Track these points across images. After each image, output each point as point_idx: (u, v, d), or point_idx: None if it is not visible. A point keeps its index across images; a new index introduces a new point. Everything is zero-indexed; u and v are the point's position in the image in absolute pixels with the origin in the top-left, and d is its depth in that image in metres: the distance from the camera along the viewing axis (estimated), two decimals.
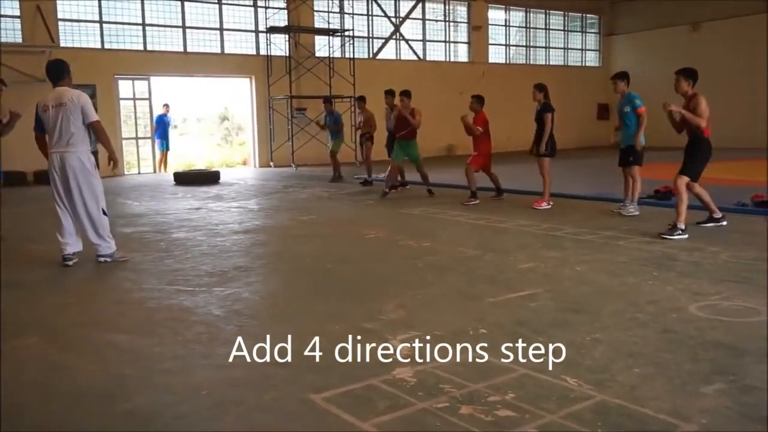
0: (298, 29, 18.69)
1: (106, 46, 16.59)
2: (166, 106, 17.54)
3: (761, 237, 6.66)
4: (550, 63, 25.34)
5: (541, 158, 8.93)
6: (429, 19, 22.33)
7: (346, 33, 19.60)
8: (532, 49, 24.97)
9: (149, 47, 17.19)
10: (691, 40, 23.15)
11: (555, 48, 25.58)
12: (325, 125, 14.11)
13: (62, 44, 15.80)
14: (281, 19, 18.85)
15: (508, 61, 24.30)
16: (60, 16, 15.91)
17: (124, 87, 17.00)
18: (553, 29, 25.45)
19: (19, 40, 15.33)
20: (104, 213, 6.05)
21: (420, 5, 21.90)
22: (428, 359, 3.45)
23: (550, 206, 8.91)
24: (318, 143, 17.38)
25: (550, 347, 3.45)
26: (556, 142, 9.00)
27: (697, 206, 7.31)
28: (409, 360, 3.46)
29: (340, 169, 14.05)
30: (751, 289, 4.75)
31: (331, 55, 19.33)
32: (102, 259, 6.06)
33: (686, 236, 6.65)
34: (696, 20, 23.13)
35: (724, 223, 7.24)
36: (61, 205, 5.97)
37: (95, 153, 6.25)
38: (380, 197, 10.63)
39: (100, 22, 16.50)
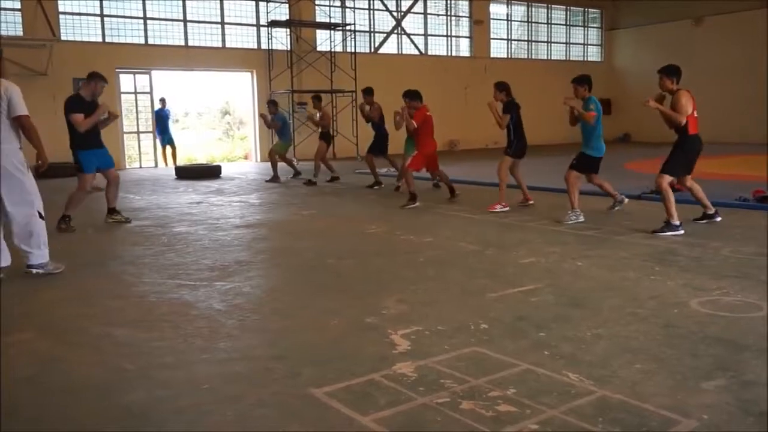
0: (300, 23, 18.66)
1: (107, 39, 16.58)
2: (163, 100, 17.53)
3: (762, 232, 6.65)
4: (552, 58, 25.29)
5: (503, 156, 8.62)
6: (430, 14, 22.28)
7: (348, 27, 19.57)
8: (533, 43, 24.92)
9: (150, 41, 17.18)
10: (693, 34, 23.09)
11: (557, 42, 25.52)
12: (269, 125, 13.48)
13: (63, 38, 15.79)
14: (282, 13, 18.82)
15: (509, 56, 24.25)
16: (61, 9, 15.91)
17: (126, 81, 16.99)
18: (555, 24, 25.38)
19: (20, 33, 15.30)
20: (41, 217, 5.35)
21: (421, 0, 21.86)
22: (429, 354, 3.45)
23: (505, 209, 8.39)
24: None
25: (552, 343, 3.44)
26: (526, 143, 8.65)
27: (694, 201, 7.28)
28: (409, 355, 3.45)
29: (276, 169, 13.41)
30: (752, 284, 4.74)
31: (333, 50, 19.30)
32: (33, 270, 5.33)
33: (681, 232, 6.62)
34: (698, 15, 23.05)
35: (718, 218, 7.19)
36: None
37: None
38: (394, 190, 10.92)
39: (101, 15, 16.49)
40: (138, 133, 17.64)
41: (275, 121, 13.20)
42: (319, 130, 12.83)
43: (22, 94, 5.33)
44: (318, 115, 12.69)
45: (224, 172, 14.86)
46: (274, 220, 8.38)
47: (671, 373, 3.16)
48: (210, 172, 14.54)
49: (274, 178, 13.12)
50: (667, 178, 6.82)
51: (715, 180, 10.40)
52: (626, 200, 8.31)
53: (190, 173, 14.31)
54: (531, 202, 8.83)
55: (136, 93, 17.36)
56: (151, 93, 17.48)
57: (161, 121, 17.45)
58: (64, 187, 9.03)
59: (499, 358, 3.39)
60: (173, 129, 18.68)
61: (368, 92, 11.88)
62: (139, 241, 6.92)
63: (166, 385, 3.17)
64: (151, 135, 17.75)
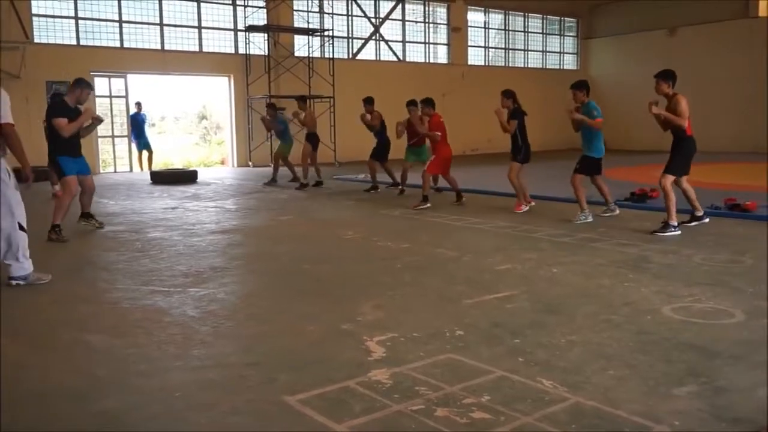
0: (278, 28, 18.60)
1: (82, 42, 16.37)
2: (138, 104, 17.36)
3: (734, 239, 6.75)
4: (529, 65, 25.49)
5: (511, 162, 8.91)
6: (408, 20, 22.34)
7: (326, 33, 19.55)
8: (510, 51, 25.10)
9: (126, 44, 17.00)
10: (667, 44, 23.43)
11: (533, 51, 25.74)
12: (269, 126, 13.70)
13: (36, 40, 15.57)
14: (260, 17, 18.75)
15: (487, 63, 24.40)
16: (34, 11, 15.66)
17: (101, 84, 16.78)
18: (531, 32, 25.60)
19: None
20: (22, 229, 5.16)
21: (400, 6, 21.91)
22: (404, 361, 3.44)
23: (528, 207, 8.92)
24: (297, 144, 17.30)
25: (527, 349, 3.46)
26: (530, 149, 8.94)
27: (681, 210, 7.38)
28: (385, 362, 3.44)
29: (294, 171, 13.65)
30: (724, 291, 4.81)
31: (311, 55, 19.27)
32: (14, 282, 5.15)
33: (679, 232, 6.93)
34: (673, 25, 23.41)
35: (706, 220, 7.46)
36: None
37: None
38: (398, 194, 11.13)
39: (76, 18, 16.28)
40: (113, 137, 17.44)
41: (276, 124, 13.37)
42: (305, 131, 12.77)
43: (8, 100, 5.07)
44: (302, 115, 12.68)
45: (200, 177, 14.75)
46: (251, 225, 8.33)
47: (644, 380, 3.19)
48: (186, 177, 14.41)
49: (272, 182, 13.32)
50: (670, 178, 7.06)
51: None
52: (618, 211, 8.39)
53: (165, 178, 14.17)
54: (532, 203, 9.14)
55: (111, 97, 17.15)
56: (126, 97, 17.29)
57: (137, 125, 17.28)
58: (36, 191, 8.91)
59: (474, 365, 3.40)
60: (149, 133, 18.50)
61: (368, 101, 11.88)
62: (112, 246, 6.84)
63: (139, 392, 3.13)
64: (126, 139, 17.57)
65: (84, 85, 7.41)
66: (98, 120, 7.84)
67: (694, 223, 7.39)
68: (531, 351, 3.59)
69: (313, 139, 12.54)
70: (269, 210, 9.69)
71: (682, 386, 3.11)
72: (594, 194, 8.44)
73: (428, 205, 9.36)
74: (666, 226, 7.00)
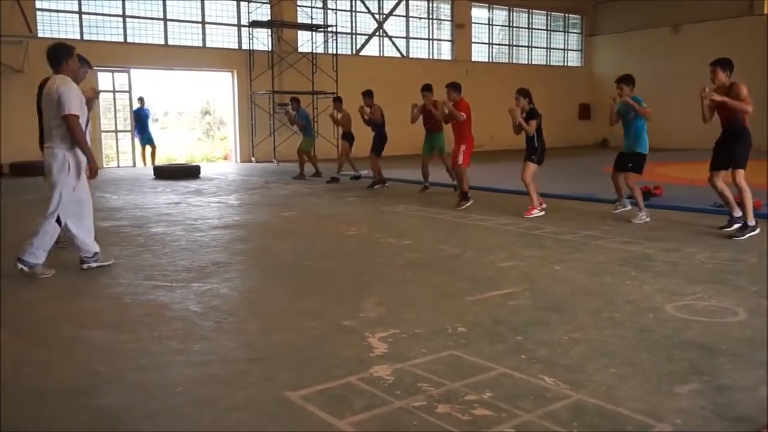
0: (281, 24, 18.59)
1: (86, 37, 16.37)
2: (141, 99, 17.37)
3: (737, 238, 6.72)
4: (533, 62, 25.44)
5: (525, 163, 8.43)
6: (412, 17, 22.32)
7: (329, 29, 19.54)
8: (514, 48, 25.06)
9: (130, 39, 17.01)
10: (672, 41, 23.38)
11: (537, 47, 25.70)
12: (292, 121, 13.96)
13: (40, 34, 15.58)
14: (264, 13, 18.74)
15: (491, 60, 24.37)
16: (38, 5, 15.69)
17: (104, 79, 16.79)
18: (535, 29, 25.56)
19: None
20: (58, 222, 5.27)
21: (403, 2, 21.88)
22: (406, 357, 3.44)
23: (541, 213, 8.29)
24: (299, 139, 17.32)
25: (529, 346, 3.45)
26: (545, 149, 8.53)
27: (685, 207, 7.25)
28: (386, 358, 3.44)
29: (317, 166, 14.02)
30: (726, 289, 4.80)
31: (314, 51, 19.25)
32: (20, 265, 5.20)
33: (757, 231, 6.66)
34: (677, 22, 23.35)
35: (755, 227, 6.82)
36: None
37: None
38: (420, 191, 10.89)
39: (80, 12, 16.29)
40: (116, 132, 17.46)
41: (299, 119, 13.60)
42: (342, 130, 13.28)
43: (75, 93, 5.22)
44: (339, 115, 13.11)
45: (203, 173, 14.76)
46: (253, 221, 8.33)
47: (646, 378, 3.18)
48: (189, 172, 14.43)
49: (300, 176, 13.60)
50: (743, 173, 6.69)
51: (690, 185, 10.53)
52: (629, 207, 8.21)
53: (168, 173, 14.19)
54: (544, 205, 8.56)
55: (114, 91, 17.18)
56: (129, 92, 17.31)
57: (140, 120, 17.30)
58: (39, 185, 8.91)
59: (476, 362, 3.39)
60: (153, 128, 18.51)
61: (368, 94, 11.93)
62: (115, 241, 6.84)
63: (140, 388, 3.13)
64: (129, 134, 17.59)
65: (82, 62, 6.45)
66: (95, 94, 7.04)
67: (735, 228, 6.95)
68: (533, 348, 3.58)
69: (349, 137, 13.05)
70: (272, 206, 9.69)
71: (684, 384, 3.10)
72: (595, 192, 8.40)
73: (471, 202, 9.02)
74: (744, 227, 6.66)
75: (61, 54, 5.33)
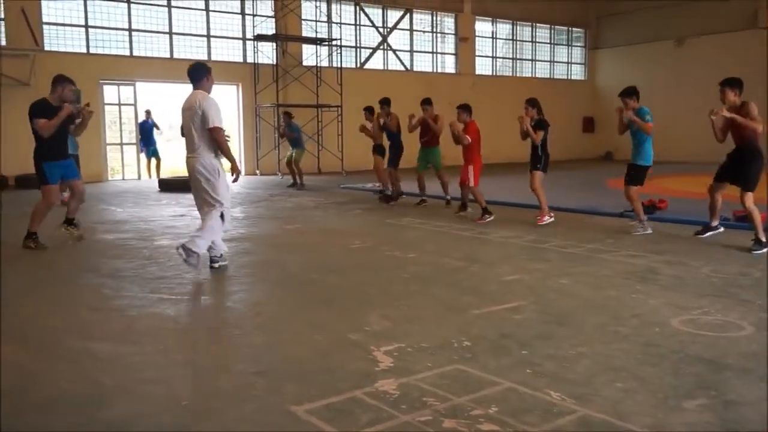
0: (286, 38, 18.70)
1: (92, 50, 16.50)
2: (148, 112, 17.45)
3: (742, 252, 6.71)
4: (537, 75, 25.51)
5: (531, 172, 8.66)
6: (416, 30, 22.43)
7: (334, 42, 19.64)
8: (518, 61, 25.14)
9: (135, 53, 17.12)
10: (675, 54, 23.43)
11: (541, 61, 25.78)
12: (284, 133, 14.84)
13: (47, 48, 15.69)
14: (269, 27, 18.86)
15: (494, 73, 24.44)
16: (45, 19, 15.80)
17: (110, 92, 16.90)
18: (539, 42, 25.65)
19: (3, 42, 15.20)
20: (222, 218, 5.94)
21: (407, 16, 21.99)
22: (412, 371, 3.43)
23: (552, 218, 8.57)
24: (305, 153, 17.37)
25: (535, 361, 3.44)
26: (549, 159, 8.71)
27: (690, 221, 7.29)
28: (392, 372, 3.43)
29: (302, 178, 14.61)
30: (732, 303, 4.78)
31: (319, 64, 19.34)
32: (184, 255, 5.65)
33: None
34: (680, 35, 23.41)
35: (721, 229, 7.41)
36: (199, 210, 6.12)
37: None
38: (417, 204, 10.95)
39: (86, 26, 16.41)
40: (121, 144, 17.55)
41: (291, 132, 14.33)
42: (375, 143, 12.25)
43: (218, 107, 5.81)
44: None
45: None
46: (259, 234, 8.34)
47: (652, 392, 3.17)
48: None
49: (298, 184, 14.33)
50: (752, 197, 6.80)
51: (696, 199, 10.51)
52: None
53: (173, 186, 14.21)
54: (552, 215, 8.73)
55: (120, 104, 17.27)
56: (135, 105, 17.40)
57: (145, 132, 17.36)
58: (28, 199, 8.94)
59: (482, 376, 3.38)
60: (158, 141, 18.57)
61: (385, 102, 11.35)
62: (120, 254, 6.86)
63: (146, 401, 3.13)
64: (134, 147, 17.66)
65: (64, 81, 7.09)
66: (88, 112, 7.58)
67: (708, 234, 7.36)
68: (539, 362, 3.57)
69: (380, 149, 11.98)
70: (277, 218, 9.70)
71: (691, 399, 3.09)
72: (600, 205, 8.39)
73: (492, 216, 9.03)
74: (758, 242, 6.74)
75: (201, 71, 5.92)
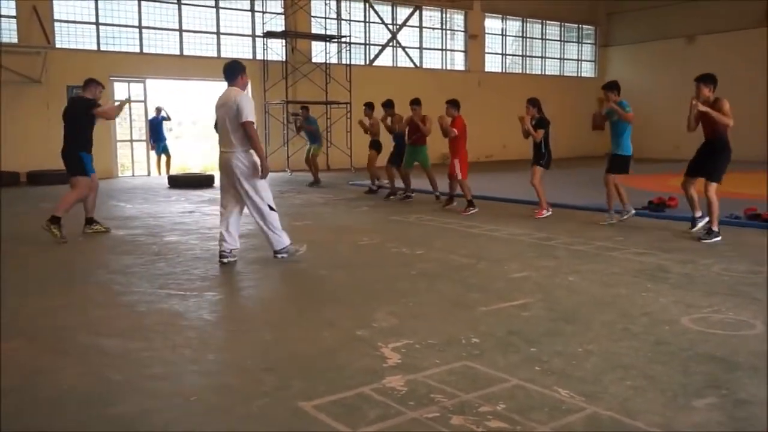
0: (295, 34, 18.70)
1: (102, 47, 16.55)
2: (158, 109, 17.49)
3: (753, 250, 6.67)
4: (546, 73, 25.40)
5: (532, 167, 9.02)
6: (426, 27, 22.36)
7: (343, 39, 19.62)
8: (528, 58, 25.04)
9: (146, 50, 17.16)
10: (686, 52, 23.26)
11: (551, 58, 25.66)
12: (301, 126, 14.46)
13: (58, 45, 15.75)
14: (278, 24, 18.86)
15: (504, 70, 24.35)
16: (56, 17, 15.86)
17: (120, 89, 16.95)
18: (549, 39, 25.52)
19: (15, 40, 15.27)
20: (272, 209, 6.12)
21: (417, 13, 21.94)
22: (420, 368, 3.43)
23: (550, 213, 9.01)
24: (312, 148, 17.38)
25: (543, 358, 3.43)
26: (552, 155, 9.12)
27: (680, 216, 7.34)
28: (400, 368, 3.43)
29: (318, 174, 14.48)
30: (743, 302, 4.75)
31: (328, 61, 19.34)
32: (279, 255, 6.19)
33: (720, 238, 7.08)
34: (691, 33, 23.24)
35: (702, 218, 7.52)
36: (222, 204, 6.28)
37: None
38: (402, 199, 11.25)
39: (97, 23, 16.46)
40: (131, 141, 17.60)
41: (309, 124, 14.11)
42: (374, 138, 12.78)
43: (251, 101, 6.02)
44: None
45: (217, 182, 14.79)
46: None
47: (662, 391, 3.15)
48: (203, 181, 14.50)
49: (317, 182, 14.21)
50: (715, 187, 7.14)
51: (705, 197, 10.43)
52: (633, 211, 8.47)
53: (182, 182, 14.27)
54: (550, 211, 9.16)
55: (130, 102, 17.29)
56: (145, 101, 17.45)
57: (154, 129, 17.41)
58: (55, 194, 8.99)
59: (490, 373, 3.38)
60: (168, 137, 18.63)
61: (389, 105, 11.74)
62: (129, 250, 6.88)
63: (154, 397, 3.14)
64: (144, 143, 17.72)
65: (97, 83, 7.87)
66: (124, 102, 9.21)
67: (698, 226, 7.49)
68: (547, 360, 3.56)
69: (377, 145, 12.60)
70: (285, 215, 9.67)
71: (701, 398, 3.07)
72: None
73: (476, 209, 9.52)
74: (710, 232, 7.13)
75: (236, 70, 6.20)
